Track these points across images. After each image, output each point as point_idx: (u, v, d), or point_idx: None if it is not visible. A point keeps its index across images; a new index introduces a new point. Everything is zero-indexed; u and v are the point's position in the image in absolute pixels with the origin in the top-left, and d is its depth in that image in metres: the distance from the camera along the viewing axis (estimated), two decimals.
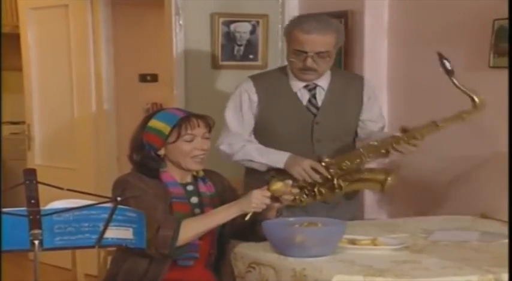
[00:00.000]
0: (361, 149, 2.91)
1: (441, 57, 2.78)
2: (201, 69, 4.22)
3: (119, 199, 1.99)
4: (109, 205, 1.99)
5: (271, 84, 3.03)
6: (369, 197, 3.87)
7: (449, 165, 3.56)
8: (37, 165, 4.97)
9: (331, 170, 2.90)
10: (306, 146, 2.97)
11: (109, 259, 2.75)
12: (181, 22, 4.10)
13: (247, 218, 2.45)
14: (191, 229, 2.44)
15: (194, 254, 2.53)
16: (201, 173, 2.65)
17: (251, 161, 2.98)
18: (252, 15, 4.26)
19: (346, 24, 3.89)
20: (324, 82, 3.02)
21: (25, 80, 5.37)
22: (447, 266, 2.26)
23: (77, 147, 5.07)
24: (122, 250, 2.50)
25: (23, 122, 5.55)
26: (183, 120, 2.55)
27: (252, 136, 3.05)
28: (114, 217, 1.99)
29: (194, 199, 2.60)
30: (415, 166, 3.72)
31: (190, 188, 2.61)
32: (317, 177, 2.89)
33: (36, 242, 1.91)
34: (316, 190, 2.93)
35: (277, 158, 2.94)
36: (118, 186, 2.52)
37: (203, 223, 2.47)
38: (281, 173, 2.91)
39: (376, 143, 2.89)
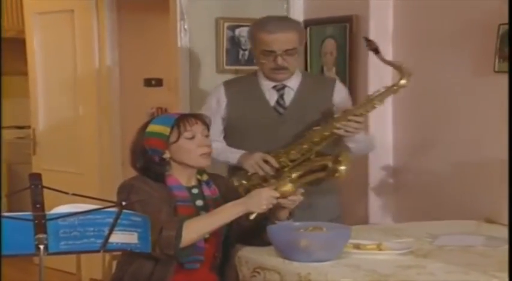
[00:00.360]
0: (306, 136, 2.95)
1: (365, 38, 3.00)
2: (206, 74, 4.22)
3: (123, 203, 1.99)
4: (114, 209, 1.99)
5: (241, 87, 3.13)
6: (374, 201, 3.87)
7: (454, 169, 3.55)
8: (42, 169, 4.98)
9: (282, 160, 2.94)
10: (273, 145, 3.00)
11: (114, 263, 2.75)
12: (186, 27, 4.11)
13: (252, 217, 2.44)
14: (195, 229, 2.44)
15: (199, 257, 2.53)
16: (205, 177, 2.66)
17: (214, 159, 3.00)
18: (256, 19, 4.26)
19: (351, 29, 3.89)
20: (293, 83, 3.07)
21: (30, 84, 5.39)
22: (452, 271, 2.25)
23: (82, 151, 5.08)
24: (128, 254, 2.50)
25: (28, 127, 5.57)
26: (180, 119, 2.59)
27: (221, 137, 3.12)
28: (119, 221, 1.99)
29: (199, 202, 2.60)
30: (420, 170, 3.72)
31: (195, 191, 2.62)
32: (268, 168, 2.93)
33: (42, 246, 1.91)
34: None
35: (232, 156, 3.03)
36: (123, 190, 2.52)
37: (207, 222, 2.47)
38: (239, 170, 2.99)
39: (319, 127, 2.95)
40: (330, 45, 4.10)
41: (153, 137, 2.58)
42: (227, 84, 3.17)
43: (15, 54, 5.85)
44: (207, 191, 2.63)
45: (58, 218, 1.93)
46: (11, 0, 6.15)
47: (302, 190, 2.56)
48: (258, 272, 2.42)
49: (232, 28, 4.21)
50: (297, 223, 2.54)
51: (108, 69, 4.96)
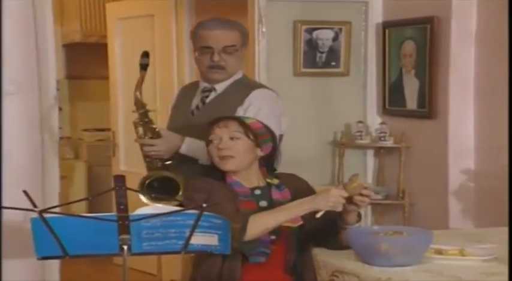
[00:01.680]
0: None
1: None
2: (283, 77, 4.23)
3: (204, 205, 2.01)
4: (195, 211, 2.01)
5: (186, 88, 3.17)
6: (454, 205, 3.80)
7: None
8: (121, 171, 5.08)
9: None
10: None
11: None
12: (264, 30, 4.13)
13: (318, 215, 2.42)
14: (260, 223, 2.44)
15: (265, 250, 2.51)
16: (276, 181, 2.66)
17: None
18: (335, 22, 4.25)
19: (432, 31, 3.83)
20: (222, 86, 2.99)
21: (111, 88, 5.51)
22: None
23: None
24: (200, 254, 2.52)
25: (109, 129, 5.70)
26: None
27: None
28: (199, 223, 2.01)
29: (263, 203, 2.60)
30: (502, 174, 3.62)
31: (257, 192, 2.62)
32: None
33: (125, 247, 1.95)
34: None
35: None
36: (196, 191, 2.57)
37: (272, 218, 2.46)
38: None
39: None
40: (409, 47, 4.05)
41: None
42: (183, 87, 3.28)
43: (97, 59, 6.00)
44: (276, 194, 2.62)
45: (141, 219, 1.96)
46: (94, 7, 6.31)
47: (384, 194, 2.53)
48: (337, 276, 2.40)
49: (310, 31, 4.20)
50: (377, 227, 2.51)
51: (186, 74, 5.01)
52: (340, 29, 4.25)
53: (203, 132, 2.72)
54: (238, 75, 3.02)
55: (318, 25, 4.22)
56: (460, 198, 3.80)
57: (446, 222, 3.79)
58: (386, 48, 4.19)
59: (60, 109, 3.99)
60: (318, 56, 4.26)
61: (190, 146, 2.88)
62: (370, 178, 4.37)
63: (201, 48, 2.95)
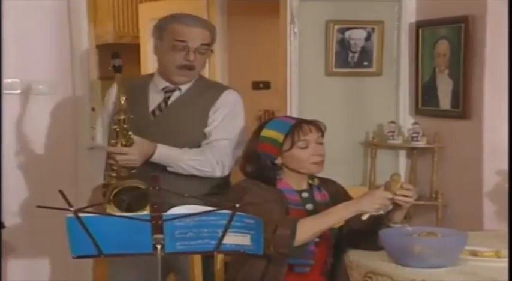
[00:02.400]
0: None
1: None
2: (315, 77, 4.23)
3: (237, 205, 2.01)
4: (228, 211, 2.01)
5: (131, 88, 2.80)
6: (489, 207, 3.75)
7: None
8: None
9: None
10: None
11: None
12: (296, 30, 4.12)
13: (364, 217, 2.41)
14: (308, 228, 2.42)
15: (309, 261, 2.52)
16: (316, 181, 2.65)
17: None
18: (368, 22, 4.23)
19: (467, 30, 3.78)
20: (185, 85, 2.82)
21: None
22: None
23: None
24: (239, 255, 2.52)
25: None
26: (295, 127, 2.56)
27: None
28: (232, 223, 2.01)
29: (309, 206, 2.59)
30: None
31: (305, 195, 2.61)
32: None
33: (159, 246, 1.95)
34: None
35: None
36: (236, 192, 2.55)
37: (320, 222, 2.45)
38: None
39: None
40: (443, 46, 4.01)
41: (267, 142, 2.59)
42: (124, 80, 2.83)
43: (130, 59, 6.02)
44: (317, 196, 2.62)
45: (174, 218, 1.96)
46: (127, 8, 6.36)
47: (416, 195, 2.51)
48: (370, 277, 2.38)
49: (342, 31, 4.19)
50: (410, 228, 2.49)
51: (217, 73, 5.03)
52: (373, 29, 4.22)
53: (172, 135, 2.64)
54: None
55: (351, 25, 4.20)
56: (494, 199, 3.75)
57: (480, 223, 3.75)
58: (420, 47, 4.16)
59: (93, 109, 4.03)
60: (350, 56, 4.24)
61: (164, 153, 2.70)
62: (402, 179, 4.34)
63: (176, 44, 2.74)
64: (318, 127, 2.60)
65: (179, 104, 2.80)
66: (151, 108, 2.81)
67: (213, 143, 2.79)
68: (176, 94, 2.82)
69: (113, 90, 2.84)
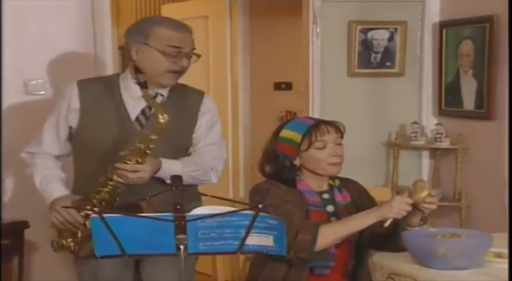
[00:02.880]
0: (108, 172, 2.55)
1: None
2: (337, 77, 4.22)
3: (260, 206, 2.01)
4: (251, 212, 2.01)
5: (99, 92, 2.69)
6: None
7: None
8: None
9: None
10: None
11: (247, 265, 2.78)
12: (318, 30, 4.11)
13: (386, 224, 2.40)
14: (330, 234, 2.42)
15: (330, 263, 2.52)
16: (337, 182, 2.64)
17: (35, 182, 2.73)
18: (390, 22, 4.21)
19: (491, 30, 3.75)
20: (164, 90, 2.73)
21: None
22: None
23: None
24: (261, 256, 2.52)
25: None
26: (313, 127, 2.56)
27: (66, 148, 2.77)
28: (255, 224, 2.01)
29: (330, 208, 2.59)
30: None
31: (326, 196, 2.61)
32: (71, 218, 2.58)
33: (182, 247, 1.96)
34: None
35: (49, 193, 2.67)
36: (257, 193, 2.55)
37: (342, 228, 2.45)
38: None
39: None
40: (467, 46, 3.99)
41: (285, 142, 2.58)
42: (81, 84, 2.72)
43: None
44: (338, 197, 2.61)
45: (197, 219, 1.97)
46: (150, 9, 6.39)
47: (440, 196, 2.50)
48: (393, 279, 2.38)
49: (365, 31, 4.18)
50: (434, 229, 2.48)
51: (239, 74, 5.04)
52: (396, 29, 4.20)
53: (163, 140, 2.52)
54: None
55: (373, 25, 4.19)
56: None
57: (504, 225, 3.71)
58: (443, 48, 4.13)
59: None
60: (373, 57, 4.23)
61: (167, 169, 2.61)
62: (425, 179, 4.32)
63: (168, 49, 2.63)
64: (337, 128, 2.59)
65: (166, 109, 2.58)
66: (133, 116, 2.69)
67: (203, 149, 2.79)
68: (159, 99, 2.71)
69: (72, 92, 2.70)
